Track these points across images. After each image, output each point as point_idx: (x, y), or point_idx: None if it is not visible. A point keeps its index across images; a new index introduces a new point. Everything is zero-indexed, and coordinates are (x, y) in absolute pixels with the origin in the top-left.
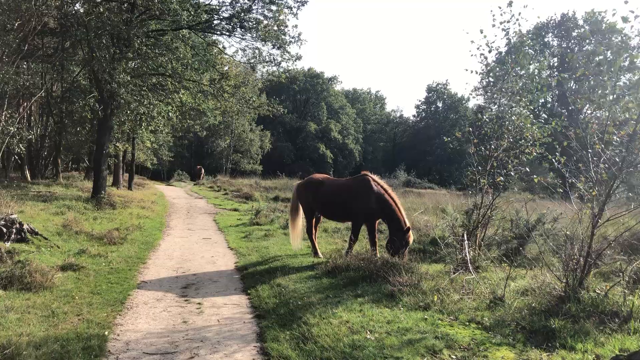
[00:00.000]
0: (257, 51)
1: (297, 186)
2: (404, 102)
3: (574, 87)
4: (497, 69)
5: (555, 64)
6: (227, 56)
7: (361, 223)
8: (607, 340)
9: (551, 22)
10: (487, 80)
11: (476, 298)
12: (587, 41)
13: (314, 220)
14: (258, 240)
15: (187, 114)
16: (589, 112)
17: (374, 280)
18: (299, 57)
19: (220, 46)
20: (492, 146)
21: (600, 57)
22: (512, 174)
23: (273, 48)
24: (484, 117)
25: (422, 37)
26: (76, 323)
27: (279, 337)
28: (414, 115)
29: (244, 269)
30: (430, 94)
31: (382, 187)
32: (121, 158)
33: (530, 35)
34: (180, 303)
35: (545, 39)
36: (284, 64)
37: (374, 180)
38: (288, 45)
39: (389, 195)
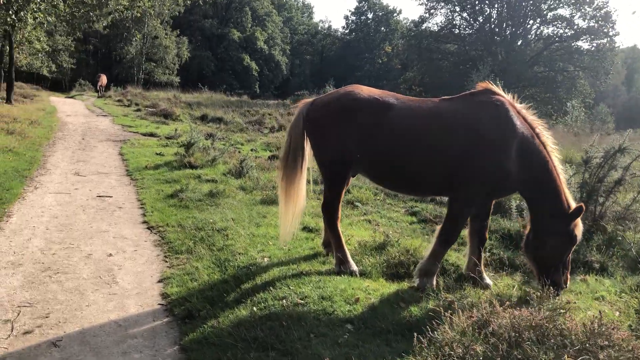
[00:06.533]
0: None
1: (310, 111)
2: (332, 12)
3: None
4: None
5: None
6: None
7: (475, 202)
8: None
9: None
10: None
11: None
12: None
13: (344, 189)
14: (200, 207)
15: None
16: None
17: None
18: None
19: None
20: None
21: None
22: None
23: None
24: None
25: None
26: None
27: None
28: (343, 27)
29: (184, 313)
30: (361, 4)
31: (526, 121)
32: None
33: None
34: None
35: None
36: None
37: (511, 105)
38: None
39: (541, 140)
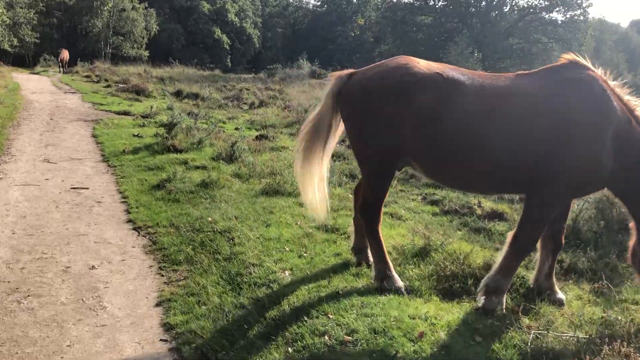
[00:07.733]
0: None
1: (349, 88)
2: None
3: None
4: None
5: None
6: None
7: (560, 202)
8: None
9: None
10: None
11: None
12: None
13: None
14: (193, 200)
15: None
16: None
17: None
18: None
19: None
20: None
21: None
22: None
23: None
24: None
25: None
26: None
27: None
28: None
29: (197, 356)
30: None
31: (622, 101)
32: None
33: None
34: None
35: None
36: None
37: (605, 82)
38: None
39: None
